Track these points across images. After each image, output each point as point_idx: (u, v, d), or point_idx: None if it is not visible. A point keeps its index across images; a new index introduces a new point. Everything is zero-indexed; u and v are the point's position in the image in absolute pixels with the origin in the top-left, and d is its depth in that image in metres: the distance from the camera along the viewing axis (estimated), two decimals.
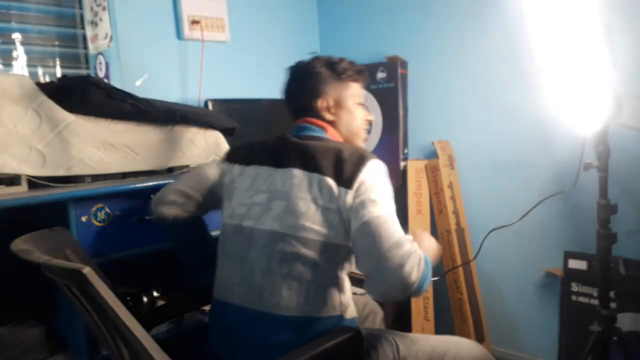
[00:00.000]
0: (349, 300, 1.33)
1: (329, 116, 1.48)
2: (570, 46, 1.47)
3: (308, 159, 1.33)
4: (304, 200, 1.28)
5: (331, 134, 1.47)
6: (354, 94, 1.52)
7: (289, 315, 1.25)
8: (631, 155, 1.97)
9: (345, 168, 1.28)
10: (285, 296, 1.25)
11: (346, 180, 1.26)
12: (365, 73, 1.57)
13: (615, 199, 1.57)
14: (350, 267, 1.34)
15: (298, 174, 1.32)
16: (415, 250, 1.18)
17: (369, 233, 1.19)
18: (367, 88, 2.56)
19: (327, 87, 1.48)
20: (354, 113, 1.51)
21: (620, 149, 1.66)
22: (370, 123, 1.61)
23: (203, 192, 1.49)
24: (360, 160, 1.30)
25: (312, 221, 1.26)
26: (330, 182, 1.27)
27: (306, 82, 1.50)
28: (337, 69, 1.49)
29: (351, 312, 1.33)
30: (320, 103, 1.47)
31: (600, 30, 1.36)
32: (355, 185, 1.26)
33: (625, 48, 1.90)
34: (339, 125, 1.50)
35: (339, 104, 1.49)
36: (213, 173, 1.49)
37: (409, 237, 1.23)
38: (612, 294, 1.98)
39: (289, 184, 1.32)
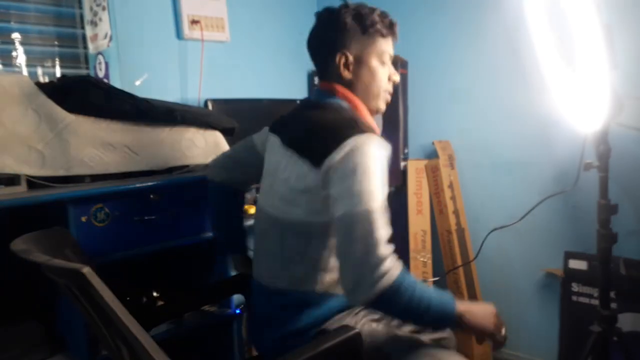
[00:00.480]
0: (329, 278, 1.29)
1: (346, 74, 1.35)
2: (571, 46, 1.47)
3: (293, 133, 1.35)
4: (279, 179, 1.31)
5: (343, 96, 1.36)
6: (380, 50, 1.38)
7: (264, 283, 1.36)
8: (631, 155, 1.97)
9: (317, 142, 1.22)
10: (261, 267, 1.38)
11: (315, 157, 1.20)
12: (397, 28, 1.42)
13: (615, 199, 1.57)
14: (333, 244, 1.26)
15: (281, 150, 1.34)
16: (393, 261, 1.12)
17: (342, 230, 1.15)
18: None
19: (349, 41, 1.34)
20: (375, 72, 1.37)
21: (620, 149, 1.66)
22: (394, 84, 1.45)
23: (249, 158, 1.53)
24: (335, 136, 1.19)
25: (285, 201, 1.28)
26: (301, 160, 1.24)
27: (328, 33, 1.37)
28: (364, 21, 1.34)
29: (316, 287, 1.29)
30: (339, 58, 1.34)
31: (600, 30, 1.36)
32: (324, 167, 1.18)
33: (626, 48, 1.90)
34: (356, 84, 1.36)
35: (359, 61, 1.35)
36: (258, 140, 1.52)
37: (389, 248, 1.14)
38: (612, 294, 1.98)
39: (276, 160, 1.36)
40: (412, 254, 2.44)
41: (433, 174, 2.48)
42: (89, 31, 2.29)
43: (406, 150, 2.61)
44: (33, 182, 1.49)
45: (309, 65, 2.99)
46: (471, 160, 2.50)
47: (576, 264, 2.13)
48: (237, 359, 1.93)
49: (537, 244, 2.31)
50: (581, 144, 1.60)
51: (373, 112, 1.42)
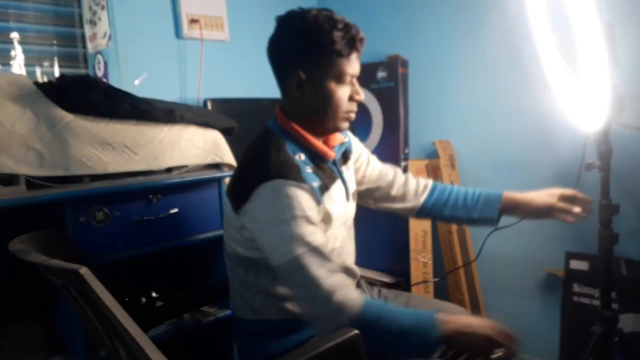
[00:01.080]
0: (293, 305, 1.29)
1: (297, 95, 1.27)
2: (572, 45, 1.46)
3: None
4: (226, 216, 1.34)
5: (281, 124, 1.31)
6: (338, 72, 1.24)
7: (234, 313, 1.40)
8: (633, 155, 1.96)
9: (235, 188, 1.26)
10: (235, 301, 1.40)
11: (234, 204, 1.23)
12: (361, 43, 1.28)
13: (617, 199, 1.56)
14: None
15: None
16: (343, 294, 1.11)
17: (283, 277, 1.19)
18: (368, 87, 2.56)
19: (303, 60, 1.24)
20: (331, 96, 1.25)
21: (622, 149, 1.65)
22: (358, 104, 1.33)
23: None
24: (247, 184, 1.19)
25: (229, 237, 1.32)
26: (227, 198, 1.28)
27: (283, 46, 1.28)
28: (322, 39, 1.21)
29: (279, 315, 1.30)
30: (292, 79, 1.26)
31: (601, 29, 1.35)
32: (240, 216, 1.21)
33: (627, 47, 1.89)
34: (308, 106, 1.28)
35: (314, 83, 1.25)
36: None
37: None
38: (613, 295, 1.97)
39: None
40: (412, 255, 2.43)
41: (434, 174, 2.47)
42: (87, 30, 2.29)
43: (407, 150, 2.60)
44: (32, 182, 1.49)
45: None
46: (472, 160, 2.50)
47: (577, 265, 2.12)
48: None
49: (538, 245, 2.30)
50: (582, 144, 1.59)
51: (332, 131, 1.35)
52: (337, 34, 1.22)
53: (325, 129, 1.32)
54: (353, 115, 1.33)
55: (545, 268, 2.29)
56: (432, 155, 2.57)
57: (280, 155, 1.23)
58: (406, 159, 2.57)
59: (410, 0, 2.62)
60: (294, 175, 1.19)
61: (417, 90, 2.61)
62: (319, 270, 1.10)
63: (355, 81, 1.30)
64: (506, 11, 2.15)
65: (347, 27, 1.24)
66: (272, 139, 1.28)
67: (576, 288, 2.13)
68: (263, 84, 2.73)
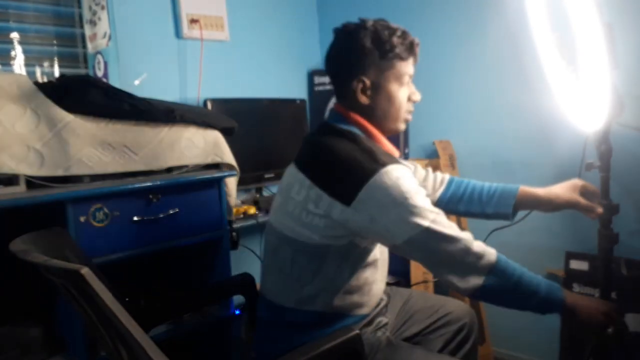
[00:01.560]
0: (339, 299, 1.31)
1: (364, 99, 1.34)
2: (572, 45, 1.46)
3: (305, 157, 1.36)
4: (293, 200, 1.31)
5: (357, 124, 1.35)
6: (399, 74, 1.35)
7: (269, 298, 1.38)
8: (633, 156, 1.97)
9: (342, 179, 1.24)
10: (269, 282, 1.39)
11: (343, 196, 1.22)
12: (418, 48, 1.38)
13: (617, 199, 1.56)
14: (353, 264, 1.31)
15: (293, 171, 1.35)
16: (481, 244, 1.22)
17: (414, 251, 1.23)
18: None
19: (367, 66, 1.33)
20: (394, 97, 1.35)
21: (622, 149, 1.65)
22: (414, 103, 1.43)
23: None
24: (360, 173, 1.21)
25: (296, 221, 1.29)
26: (321, 191, 1.25)
27: (345, 56, 1.36)
28: (383, 45, 1.32)
29: (342, 308, 1.32)
30: (356, 84, 1.33)
31: (601, 29, 1.35)
32: (355, 205, 1.20)
33: (627, 47, 1.89)
34: (374, 110, 1.35)
35: (377, 86, 1.34)
36: None
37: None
38: (613, 295, 1.97)
39: (287, 180, 1.37)
40: None
41: None
42: (87, 30, 2.29)
43: (407, 150, 2.61)
44: (32, 182, 1.49)
45: (308, 64, 3.01)
46: (472, 160, 2.50)
47: (577, 265, 2.13)
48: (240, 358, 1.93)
49: (539, 244, 2.31)
50: (582, 144, 1.59)
51: (392, 132, 1.42)
52: (397, 40, 1.33)
53: (386, 130, 1.39)
54: (410, 117, 1.42)
55: (546, 268, 2.29)
56: (432, 155, 2.58)
57: (376, 146, 1.31)
58: (406, 159, 2.58)
59: (410, 2, 2.62)
60: (397, 160, 1.29)
61: (418, 90, 2.61)
62: (450, 230, 1.19)
63: (411, 83, 1.40)
64: (506, 11, 2.16)
65: (404, 33, 1.36)
66: (356, 135, 1.33)
67: (576, 288, 2.13)
68: (263, 84, 2.75)
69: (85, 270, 0.86)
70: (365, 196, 1.19)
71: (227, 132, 1.95)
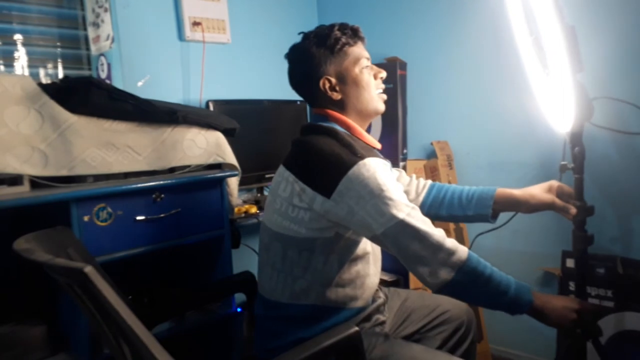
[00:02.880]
0: (332, 292, 1.34)
1: (336, 95, 1.40)
2: (539, 48, 1.46)
3: (290, 155, 1.41)
4: (280, 197, 1.36)
5: (335, 120, 1.41)
6: (355, 58, 1.41)
7: (264, 295, 1.41)
8: (607, 157, 2.00)
9: (321, 173, 1.28)
10: (264, 279, 1.42)
11: (324, 189, 1.26)
12: (360, 31, 1.44)
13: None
14: (341, 257, 1.34)
15: (281, 170, 1.40)
16: (453, 241, 1.22)
17: (390, 243, 1.23)
18: None
19: (324, 66, 1.39)
20: (360, 80, 1.41)
21: (604, 150, 1.65)
22: (382, 79, 1.48)
23: None
24: (339, 167, 1.25)
25: (284, 217, 1.34)
26: (304, 185, 1.29)
27: (302, 69, 1.44)
28: (327, 42, 1.39)
29: (337, 302, 1.35)
30: (323, 85, 1.40)
31: (562, 32, 1.34)
32: (335, 197, 1.24)
33: (595, 49, 1.91)
34: (349, 101, 1.41)
35: (342, 78, 1.40)
36: None
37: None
38: (610, 293, 1.99)
39: (275, 180, 1.42)
40: None
41: (432, 174, 2.49)
42: (91, 32, 2.30)
43: (405, 151, 2.62)
44: (36, 182, 1.51)
45: None
46: (469, 160, 2.51)
47: (573, 263, 2.14)
48: (238, 358, 1.94)
49: (535, 243, 2.32)
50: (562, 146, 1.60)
51: (373, 116, 1.47)
52: (338, 32, 1.39)
53: (367, 114, 1.45)
54: (384, 95, 1.47)
55: (542, 267, 2.30)
56: (430, 155, 2.59)
57: (356, 141, 1.36)
58: (405, 159, 2.59)
59: (408, 4, 2.63)
60: (375, 154, 1.33)
61: (416, 91, 2.63)
62: (424, 225, 1.21)
63: (372, 64, 1.46)
64: (495, 14, 2.17)
65: (342, 24, 1.42)
66: (337, 131, 1.37)
67: (572, 286, 2.14)
68: (264, 86, 2.76)
69: (89, 269, 0.86)
70: (344, 188, 1.23)
71: (228, 133, 1.96)
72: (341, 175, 1.23)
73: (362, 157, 1.25)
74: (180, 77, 2.43)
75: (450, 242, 1.22)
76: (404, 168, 2.56)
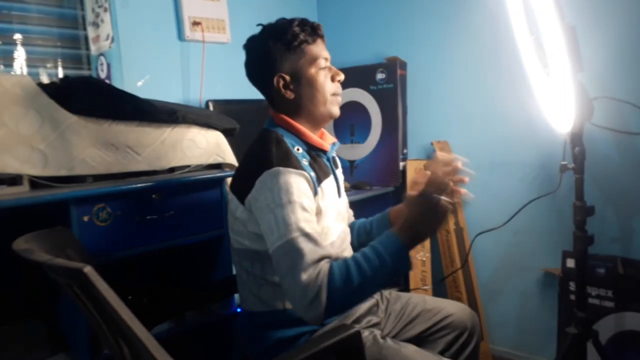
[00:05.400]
0: (282, 293, 1.30)
1: (288, 94, 1.35)
2: (540, 48, 1.46)
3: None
4: (230, 212, 1.37)
5: (280, 123, 1.36)
6: (312, 58, 1.35)
7: (243, 307, 1.42)
8: (607, 157, 1.99)
9: (239, 180, 1.29)
10: (239, 292, 1.44)
11: (240, 196, 1.26)
12: (321, 29, 1.39)
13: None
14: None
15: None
16: (320, 277, 1.09)
17: (275, 265, 1.17)
18: (367, 89, 2.58)
19: (279, 62, 1.34)
20: (315, 81, 1.34)
21: (606, 150, 1.65)
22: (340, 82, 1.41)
23: None
24: (251, 174, 1.22)
25: (232, 230, 1.36)
26: (231, 193, 1.32)
27: (257, 63, 1.39)
28: (285, 38, 1.33)
29: (286, 305, 1.33)
30: (277, 83, 1.34)
31: (562, 32, 1.34)
32: (246, 205, 1.24)
33: (595, 49, 1.91)
34: (302, 102, 1.35)
35: (296, 77, 1.34)
36: None
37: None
38: (610, 293, 1.99)
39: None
40: (410, 253, 2.44)
41: None
42: (90, 32, 2.30)
43: (405, 151, 2.62)
44: (35, 182, 1.50)
45: None
46: (470, 160, 2.50)
47: (574, 263, 2.14)
48: (238, 358, 1.94)
49: (535, 244, 2.32)
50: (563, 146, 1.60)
51: (327, 119, 1.42)
52: (297, 28, 1.34)
53: (320, 117, 1.39)
54: (340, 99, 1.41)
55: (542, 267, 2.30)
56: (431, 155, 2.59)
57: (280, 147, 1.29)
58: (405, 159, 2.59)
59: (409, 4, 2.63)
60: (294, 164, 1.25)
61: (416, 91, 2.63)
62: (306, 256, 1.10)
63: (331, 65, 1.39)
64: (498, 14, 2.16)
65: (303, 20, 1.37)
66: (272, 135, 1.34)
67: (573, 286, 2.14)
68: None
69: (88, 269, 0.86)
70: (252, 195, 1.22)
71: (228, 133, 1.96)
72: (251, 182, 1.22)
73: (273, 165, 1.21)
74: (180, 77, 2.43)
75: (313, 289, 1.08)
76: (404, 168, 2.55)
